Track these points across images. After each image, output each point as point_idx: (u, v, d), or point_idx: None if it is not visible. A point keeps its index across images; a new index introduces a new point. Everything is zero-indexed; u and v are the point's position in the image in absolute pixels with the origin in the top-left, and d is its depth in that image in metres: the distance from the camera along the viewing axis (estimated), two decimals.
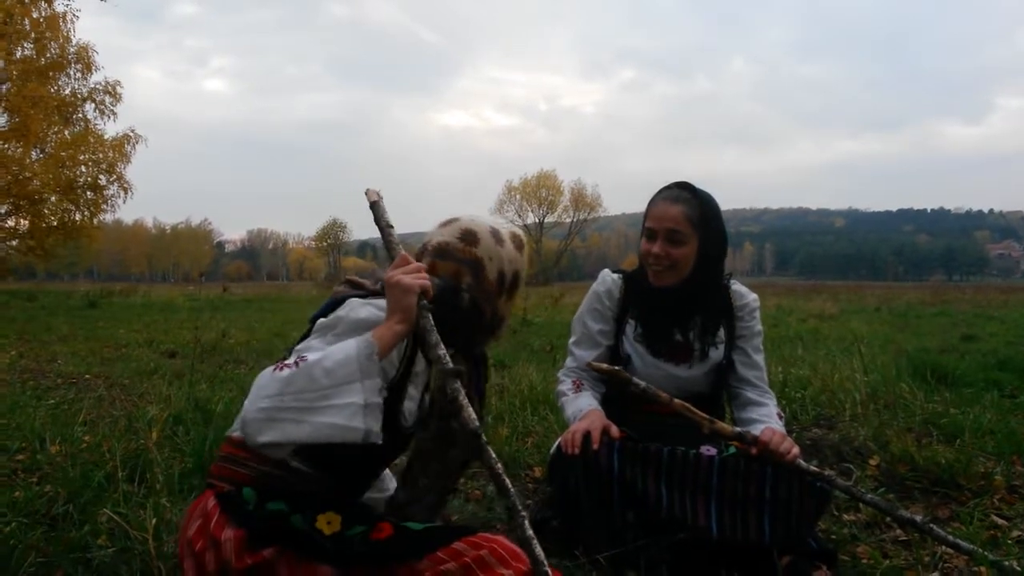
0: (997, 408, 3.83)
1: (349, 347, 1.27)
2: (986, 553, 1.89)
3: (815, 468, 1.92)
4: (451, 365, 1.34)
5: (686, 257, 2.06)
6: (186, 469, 2.54)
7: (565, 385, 2.24)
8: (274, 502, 1.37)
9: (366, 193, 1.48)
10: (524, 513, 1.34)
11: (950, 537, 1.93)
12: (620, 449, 1.90)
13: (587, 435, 1.93)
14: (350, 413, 1.24)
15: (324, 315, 1.43)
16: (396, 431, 1.44)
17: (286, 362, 1.27)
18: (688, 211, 2.04)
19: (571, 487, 1.92)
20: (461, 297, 1.48)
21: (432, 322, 1.36)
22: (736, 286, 2.21)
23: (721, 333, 2.15)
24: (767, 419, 2.07)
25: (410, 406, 1.47)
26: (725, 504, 1.86)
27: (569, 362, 2.28)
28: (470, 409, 1.34)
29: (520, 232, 1.64)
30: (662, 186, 2.15)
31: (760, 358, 2.21)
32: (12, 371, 5.81)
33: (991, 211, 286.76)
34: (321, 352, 1.27)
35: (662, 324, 2.14)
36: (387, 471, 1.85)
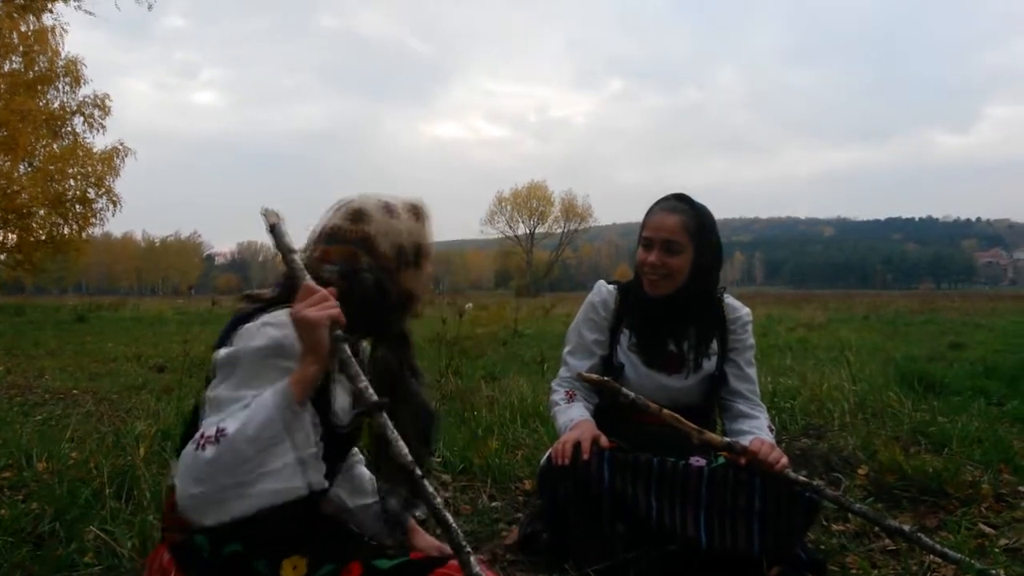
0: (984, 416, 3.86)
1: (267, 406, 1.18)
2: (973, 562, 1.90)
3: (804, 478, 1.93)
4: (374, 397, 1.26)
5: (681, 267, 2.08)
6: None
7: (558, 395, 2.24)
8: (229, 544, 1.31)
9: (264, 215, 1.32)
10: (469, 550, 1.27)
11: (938, 546, 1.94)
12: (610, 459, 1.91)
13: (577, 445, 1.93)
14: (288, 475, 1.18)
15: (225, 339, 1.35)
16: (333, 434, 1.37)
17: (207, 436, 1.17)
18: (685, 221, 2.08)
19: (561, 498, 1.92)
20: (363, 279, 1.39)
21: (349, 352, 1.27)
22: (729, 299, 2.23)
23: (714, 345, 2.17)
24: (758, 431, 2.08)
25: (341, 404, 1.39)
26: (714, 515, 1.87)
27: (563, 372, 2.29)
28: (400, 443, 1.26)
29: (420, 202, 1.53)
30: (659, 197, 2.19)
31: (752, 371, 2.23)
32: None
33: (978, 219, 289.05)
34: (239, 420, 1.18)
35: (656, 334, 2.15)
36: (361, 468, 1.79)
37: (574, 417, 2.11)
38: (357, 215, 1.44)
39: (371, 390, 1.25)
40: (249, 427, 1.16)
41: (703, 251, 2.10)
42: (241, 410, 1.21)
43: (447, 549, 1.67)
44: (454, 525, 1.28)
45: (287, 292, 1.35)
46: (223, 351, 1.30)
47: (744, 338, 2.21)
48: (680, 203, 2.12)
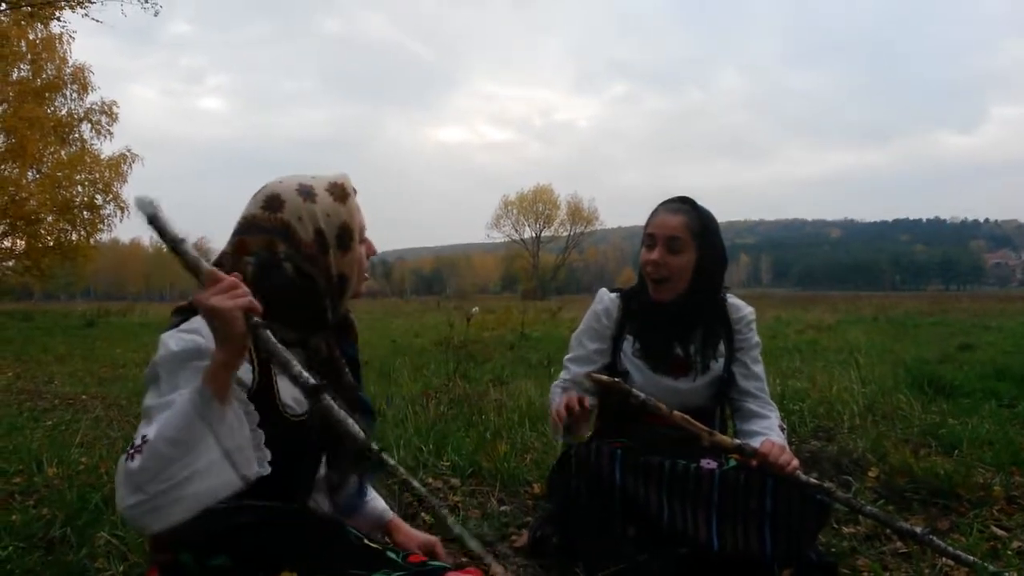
0: (995, 418, 3.84)
1: (184, 405, 1.12)
2: (987, 565, 1.89)
3: (815, 480, 1.92)
4: (311, 381, 1.15)
5: (683, 267, 2.08)
6: None
7: (555, 394, 2.25)
8: (215, 557, 1.26)
9: (138, 206, 1.15)
10: (446, 511, 1.24)
11: (950, 549, 1.93)
12: (622, 460, 1.91)
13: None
14: (217, 470, 1.13)
15: None
16: (287, 425, 1.32)
17: (135, 446, 1.13)
18: (688, 221, 2.08)
19: (571, 497, 1.92)
20: (283, 269, 1.31)
21: (274, 340, 1.16)
22: (732, 299, 2.22)
23: (721, 347, 2.17)
24: (769, 431, 2.07)
25: (291, 393, 1.32)
26: (726, 518, 1.86)
27: (563, 375, 2.30)
28: (350, 422, 1.17)
29: (343, 180, 1.42)
30: (663, 200, 2.19)
31: (759, 369, 2.22)
32: (9, 392, 5.79)
33: (986, 220, 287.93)
34: (157, 425, 1.12)
35: (661, 339, 2.15)
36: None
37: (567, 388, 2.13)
38: (271, 202, 1.35)
39: (306, 374, 1.16)
40: (167, 429, 1.11)
41: (706, 253, 2.09)
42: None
43: (433, 541, 1.65)
44: (424, 490, 1.23)
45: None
46: (147, 369, 1.26)
47: (749, 337, 2.21)
48: (684, 204, 2.13)
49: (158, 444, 1.10)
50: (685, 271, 2.08)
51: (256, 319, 1.15)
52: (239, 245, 1.33)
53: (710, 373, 2.14)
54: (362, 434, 1.17)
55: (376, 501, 1.70)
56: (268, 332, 1.15)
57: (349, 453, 1.42)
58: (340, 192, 1.40)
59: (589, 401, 1.93)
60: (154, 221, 1.15)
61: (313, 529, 1.40)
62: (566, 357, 2.31)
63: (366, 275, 1.49)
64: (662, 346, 2.14)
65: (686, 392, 2.12)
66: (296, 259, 1.32)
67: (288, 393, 1.33)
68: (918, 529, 1.95)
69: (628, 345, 2.18)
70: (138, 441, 1.12)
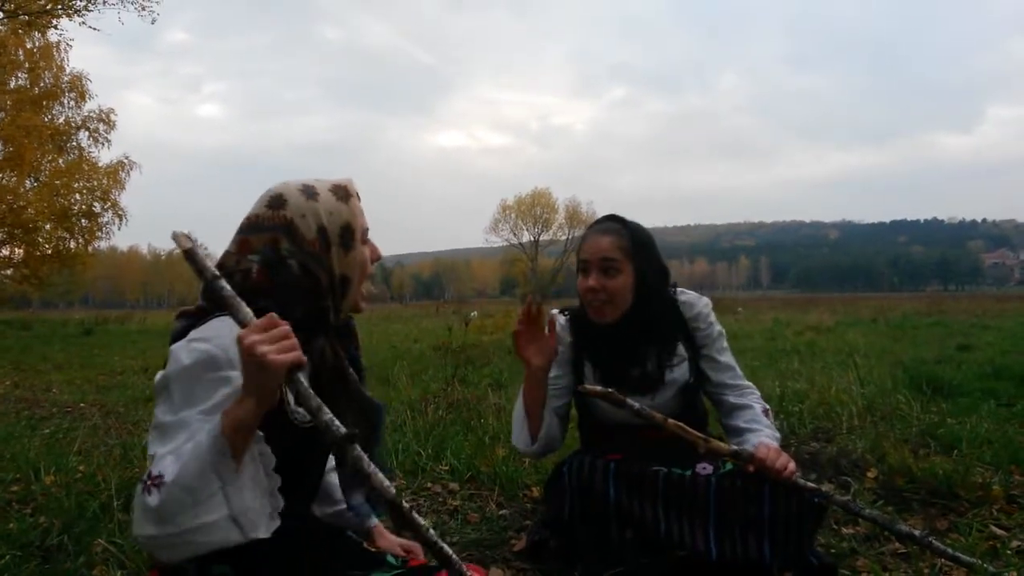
0: (994, 417, 3.84)
1: (201, 454, 1.11)
2: (986, 565, 1.88)
3: (812, 484, 1.92)
4: (342, 430, 1.16)
5: (622, 289, 2.04)
6: None
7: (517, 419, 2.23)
8: (217, 565, 1.26)
9: (175, 239, 1.17)
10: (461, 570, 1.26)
11: (949, 550, 1.93)
12: (616, 474, 1.89)
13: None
14: (223, 528, 1.13)
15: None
16: (297, 435, 1.31)
17: (153, 477, 1.12)
18: (618, 241, 2.04)
19: (567, 515, 1.91)
20: (288, 265, 1.32)
21: (306, 384, 1.16)
22: (684, 296, 2.18)
23: (681, 350, 2.13)
24: (755, 424, 2.05)
25: (329, 417, 1.28)
26: (723, 526, 1.85)
27: None
28: (379, 475, 1.19)
29: (346, 182, 1.44)
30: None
31: (728, 357, 2.18)
32: (7, 401, 5.78)
33: (984, 220, 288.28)
34: (177, 466, 1.12)
35: (615, 362, 2.11)
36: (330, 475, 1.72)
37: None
38: (275, 200, 1.36)
39: (337, 422, 1.17)
40: (184, 476, 1.11)
41: (643, 269, 2.05)
42: (187, 441, 1.15)
43: (415, 547, 1.65)
44: (454, 557, 1.25)
45: (215, 303, 1.26)
46: (158, 374, 1.25)
47: (709, 331, 2.16)
48: (613, 223, 2.10)
49: (174, 489, 1.10)
50: (624, 290, 2.04)
51: (299, 374, 1.15)
52: (242, 244, 1.34)
53: (674, 383, 2.10)
54: (392, 489, 1.19)
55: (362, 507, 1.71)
56: (300, 376, 1.16)
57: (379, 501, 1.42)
58: (343, 192, 1.41)
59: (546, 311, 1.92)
60: (189, 256, 1.18)
61: (314, 537, 1.41)
62: None
63: (370, 279, 1.49)
64: (618, 369, 2.10)
65: (655, 407, 2.06)
66: (300, 256, 1.32)
67: (296, 405, 1.32)
68: (917, 531, 1.94)
69: (589, 371, 2.15)
70: (155, 472, 1.13)
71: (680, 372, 2.11)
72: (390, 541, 1.70)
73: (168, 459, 1.14)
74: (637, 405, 1.87)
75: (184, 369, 1.20)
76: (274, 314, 1.15)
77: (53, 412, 5.24)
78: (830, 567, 1.93)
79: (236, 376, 1.17)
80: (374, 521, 1.71)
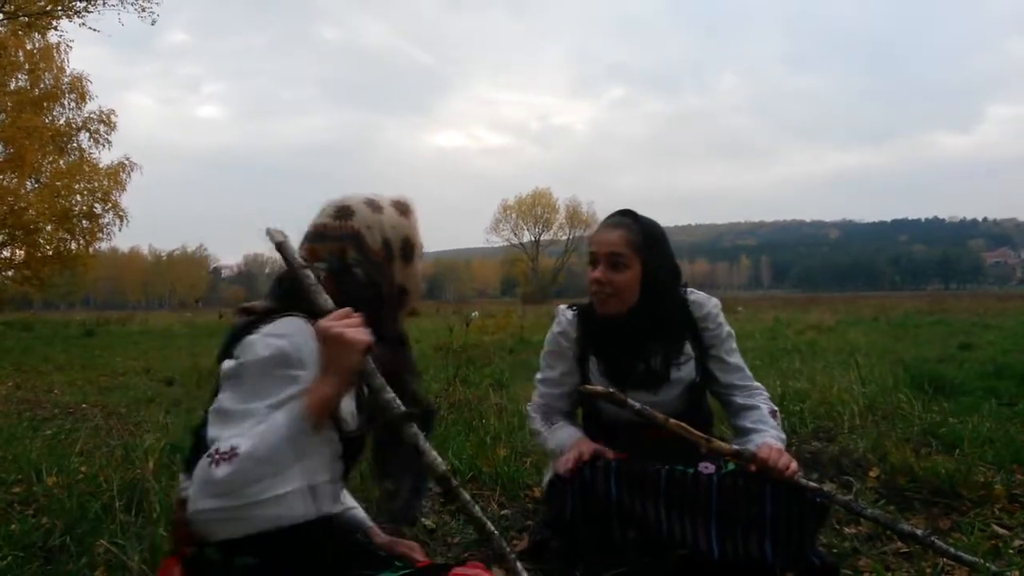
0: (996, 417, 3.84)
1: (279, 428, 1.18)
2: (988, 564, 1.88)
3: (814, 484, 1.91)
4: (402, 408, 1.26)
5: (629, 283, 2.03)
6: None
7: (536, 422, 2.24)
8: (241, 556, 1.28)
9: (269, 235, 1.33)
10: (513, 555, 1.33)
11: (951, 550, 1.93)
12: (617, 473, 1.89)
13: (581, 456, 1.93)
14: (295, 501, 1.18)
15: (227, 352, 1.33)
16: (342, 438, 1.36)
17: (222, 452, 1.17)
18: (628, 235, 2.03)
19: (568, 515, 1.91)
20: (354, 273, 1.39)
21: (373, 365, 1.27)
22: (693, 295, 2.17)
23: (688, 349, 2.12)
24: (762, 424, 2.05)
25: (348, 408, 1.36)
26: (725, 526, 1.85)
27: (536, 397, 2.28)
28: (433, 453, 1.28)
29: (406, 199, 1.52)
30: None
31: (737, 359, 2.19)
32: (9, 402, 5.79)
33: (985, 219, 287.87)
34: (252, 440, 1.17)
35: (621, 356, 2.11)
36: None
37: (564, 439, 2.10)
38: (342, 211, 1.44)
39: (398, 401, 1.26)
40: (261, 448, 1.16)
41: (652, 265, 2.04)
42: (255, 426, 1.20)
43: (413, 546, 1.63)
44: (495, 532, 1.32)
45: (283, 303, 1.35)
46: (228, 363, 1.30)
47: (718, 331, 2.16)
48: (624, 218, 2.09)
49: (249, 461, 1.14)
50: (630, 286, 2.04)
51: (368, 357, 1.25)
52: (310, 252, 1.42)
53: (680, 382, 2.10)
54: (443, 465, 1.27)
55: (357, 511, 1.73)
56: (369, 359, 1.26)
57: (405, 462, 1.47)
58: (404, 208, 1.49)
59: (609, 453, 1.95)
60: (281, 248, 1.31)
61: (333, 535, 1.43)
62: (537, 377, 2.30)
63: (420, 293, 1.56)
64: (623, 364, 2.10)
65: (660, 405, 2.06)
66: (365, 265, 1.40)
67: (346, 408, 1.37)
68: (919, 530, 1.95)
69: (594, 364, 2.15)
70: (225, 447, 1.16)
71: (686, 371, 2.11)
72: (387, 540, 1.71)
73: (239, 437, 1.18)
74: (638, 405, 1.87)
75: (260, 361, 1.25)
76: (349, 309, 1.26)
77: (55, 413, 5.25)
78: (832, 567, 1.92)
79: (304, 376, 1.25)
80: (369, 523, 1.72)
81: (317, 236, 1.43)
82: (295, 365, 1.25)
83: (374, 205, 1.45)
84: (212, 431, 1.24)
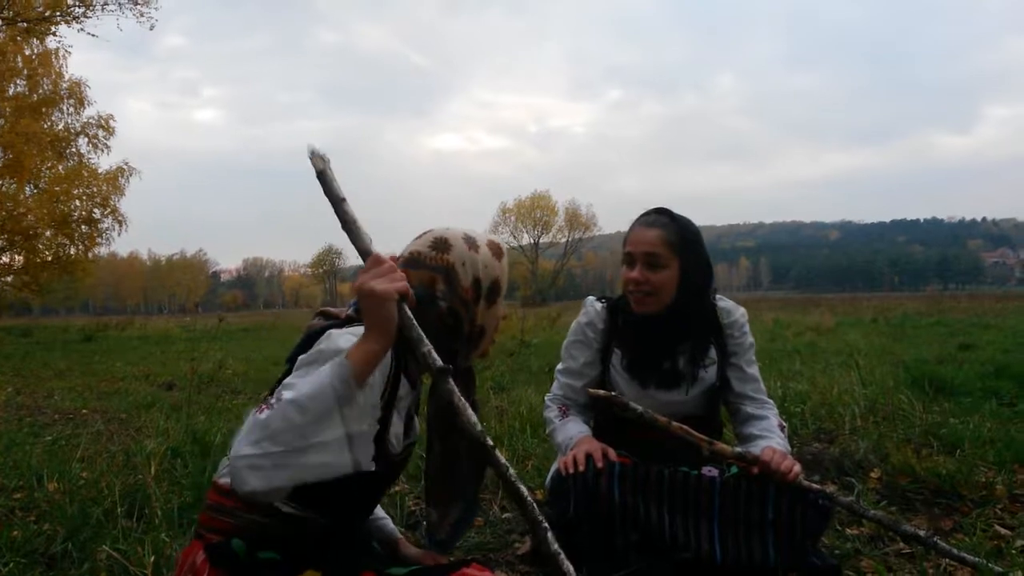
0: (996, 417, 3.84)
1: (322, 376, 1.18)
2: (991, 565, 1.88)
3: (817, 485, 1.92)
4: (439, 362, 1.25)
5: (666, 283, 2.03)
6: (185, 503, 2.52)
7: (551, 412, 2.24)
8: (265, 551, 1.31)
9: (311, 158, 1.25)
10: (546, 525, 1.29)
11: (954, 550, 1.93)
12: (620, 475, 1.89)
13: (589, 457, 1.93)
14: (335, 449, 1.17)
15: (300, 352, 1.34)
16: (386, 459, 1.38)
17: (270, 402, 1.18)
18: (666, 235, 2.03)
19: (571, 515, 1.91)
20: (437, 304, 1.41)
21: (411, 317, 1.25)
22: (722, 302, 2.18)
23: (712, 353, 2.13)
24: (768, 433, 2.06)
25: (396, 431, 1.40)
26: (728, 527, 1.85)
27: (555, 388, 2.29)
28: (469, 411, 1.27)
29: (500, 241, 1.55)
30: (642, 211, 2.15)
31: (754, 370, 2.20)
32: (9, 408, 5.77)
33: (984, 220, 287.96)
34: (296, 389, 1.18)
35: (649, 354, 2.11)
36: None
37: (573, 435, 2.10)
38: (440, 243, 1.46)
39: (434, 355, 1.24)
40: (301, 395, 1.15)
41: (689, 265, 2.04)
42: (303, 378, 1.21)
43: (439, 560, 1.65)
44: (529, 498, 1.29)
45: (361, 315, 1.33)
46: (305, 355, 1.30)
47: (742, 340, 2.17)
48: (661, 216, 2.08)
49: (289, 407, 1.14)
50: (668, 285, 2.04)
51: (405, 306, 1.23)
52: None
53: (702, 383, 2.11)
54: (478, 424, 1.25)
55: (386, 521, 1.79)
56: (407, 310, 1.24)
57: (455, 491, 1.53)
58: (498, 250, 1.52)
59: (613, 454, 1.95)
60: (322, 176, 1.25)
61: (353, 538, 1.49)
62: (557, 368, 2.30)
63: (495, 338, 1.57)
64: (649, 361, 2.10)
65: (678, 404, 2.09)
66: (452, 299, 1.42)
67: (394, 431, 1.40)
68: (922, 531, 1.95)
69: (616, 358, 2.16)
70: (274, 399, 1.18)
71: (709, 374, 2.12)
72: (414, 552, 1.74)
73: (287, 389, 1.19)
74: (640, 409, 1.87)
75: (338, 350, 1.25)
76: (379, 253, 1.24)
77: (55, 419, 5.23)
78: (834, 568, 1.93)
79: (372, 380, 1.24)
80: (398, 535, 1.77)
81: (412, 262, 1.45)
82: None
83: (472, 243, 1.47)
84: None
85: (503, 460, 1.27)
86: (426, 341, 1.25)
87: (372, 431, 1.26)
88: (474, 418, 1.27)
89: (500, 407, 4.45)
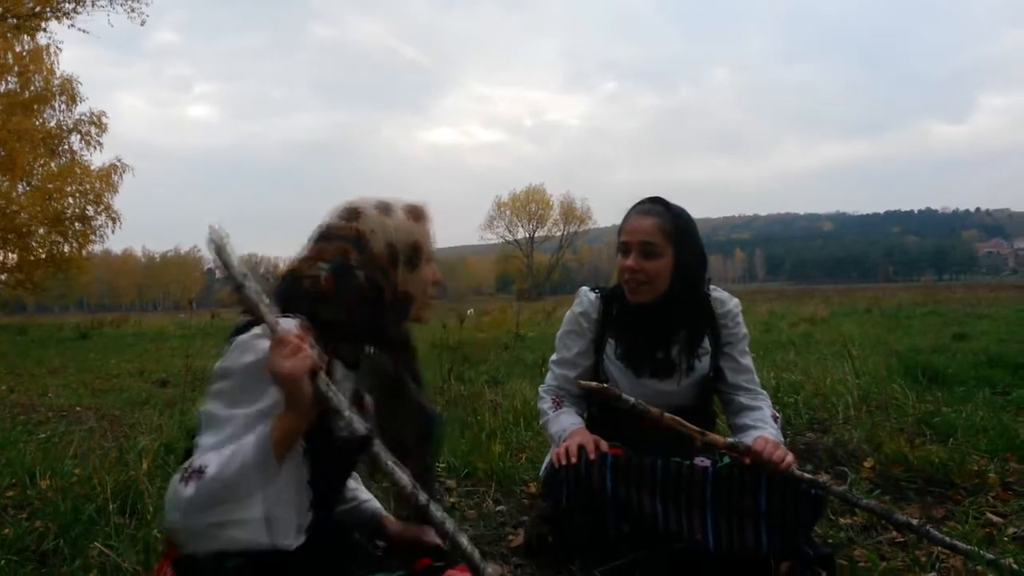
0: (989, 406, 3.85)
1: (247, 454, 1.17)
2: (983, 553, 1.88)
3: (809, 475, 1.92)
4: (361, 430, 1.23)
5: (661, 271, 2.04)
6: None
7: (546, 403, 2.24)
8: (233, 558, 1.28)
9: (210, 235, 1.20)
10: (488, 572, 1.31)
11: (946, 539, 1.93)
12: (612, 465, 1.89)
13: (581, 448, 1.93)
14: (252, 530, 1.18)
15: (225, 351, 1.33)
16: (343, 445, 1.33)
17: (193, 469, 1.18)
18: (661, 223, 2.03)
19: (564, 506, 1.91)
20: (355, 275, 1.36)
21: (327, 384, 1.23)
22: (716, 292, 2.18)
23: (706, 343, 2.13)
24: (761, 423, 2.06)
25: (349, 415, 1.32)
26: (721, 516, 1.85)
27: (549, 379, 2.29)
28: (398, 473, 1.25)
29: (421, 204, 1.49)
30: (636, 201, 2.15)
31: (748, 361, 2.20)
32: (2, 406, 5.76)
33: (978, 210, 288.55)
34: (220, 461, 1.17)
35: (643, 343, 2.11)
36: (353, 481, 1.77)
37: (566, 426, 2.11)
38: (350, 213, 1.42)
39: (357, 420, 1.23)
40: (225, 472, 1.17)
41: (683, 254, 2.05)
42: (231, 440, 1.20)
43: (425, 531, 1.61)
44: (468, 548, 1.29)
45: (283, 303, 1.32)
46: (218, 364, 1.30)
47: (736, 330, 2.17)
48: (656, 205, 2.08)
49: (214, 483, 1.16)
50: (663, 274, 2.04)
51: (322, 372, 1.21)
52: (315, 251, 1.39)
53: (695, 373, 2.11)
54: (410, 484, 1.24)
55: (372, 502, 1.74)
56: (324, 376, 1.22)
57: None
58: (416, 212, 1.47)
59: (605, 445, 1.95)
60: (220, 253, 1.22)
61: (327, 537, 1.43)
62: (551, 358, 2.30)
63: (430, 300, 1.53)
64: (644, 350, 2.11)
65: (672, 394, 2.09)
66: (367, 268, 1.37)
67: (347, 417, 1.35)
68: (915, 520, 1.95)
69: (610, 348, 2.16)
70: (197, 464, 1.19)
71: (702, 364, 2.12)
72: (401, 530, 1.71)
73: (211, 454, 1.19)
74: (632, 400, 1.87)
75: (247, 366, 1.25)
76: (285, 327, 1.21)
77: (49, 416, 5.22)
78: (827, 557, 1.93)
79: (296, 456, 1.23)
80: (383, 512, 1.74)
81: (324, 236, 1.41)
82: None
83: (384, 208, 1.43)
84: (199, 435, 1.25)
85: (439, 514, 1.27)
86: (345, 410, 1.23)
87: (297, 500, 1.26)
88: (405, 479, 1.25)
89: (494, 400, 4.45)
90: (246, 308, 1.24)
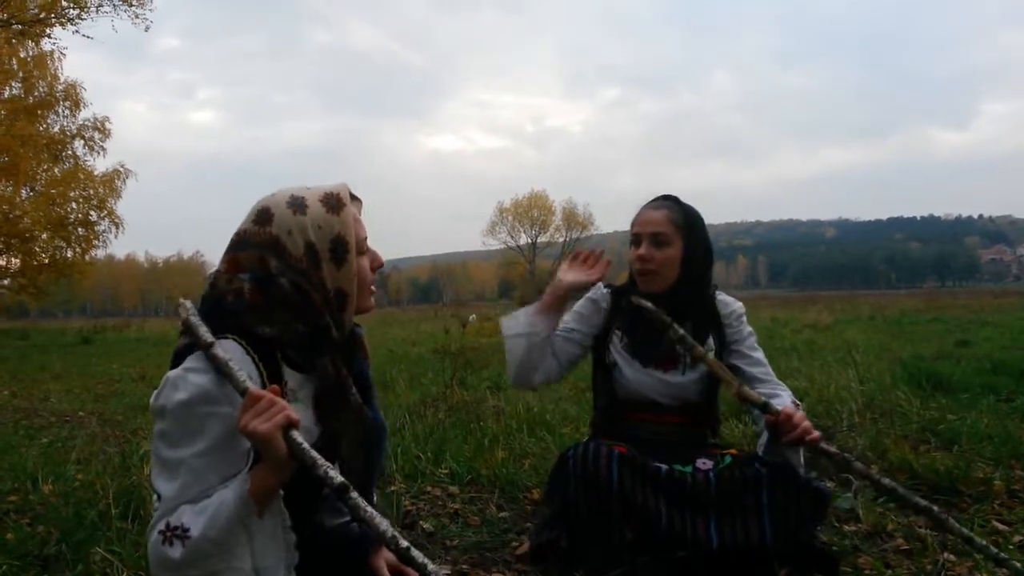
0: (994, 413, 3.84)
1: (228, 510, 1.15)
2: (1001, 553, 1.84)
3: (835, 449, 1.89)
4: (336, 481, 1.17)
5: (671, 260, 2.09)
6: None
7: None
8: None
9: (179, 308, 1.24)
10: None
11: (964, 530, 1.85)
12: (619, 460, 1.89)
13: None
14: None
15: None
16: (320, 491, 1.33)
17: (172, 528, 1.16)
18: (672, 215, 2.10)
19: (570, 499, 1.91)
20: (279, 284, 1.26)
21: (300, 441, 1.17)
22: (721, 296, 2.22)
23: (710, 342, 2.15)
24: (786, 402, 2.05)
25: (305, 424, 1.28)
26: (724, 516, 1.86)
27: None
28: (376, 519, 1.19)
29: (339, 190, 1.36)
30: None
31: (760, 355, 2.21)
32: (5, 411, 5.76)
33: (980, 216, 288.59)
34: (203, 521, 1.15)
35: (650, 331, 2.11)
36: None
37: (518, 314, 2.20)
38: (261, 216, 1.31)
39: (332, 474, 1.17)
40: (212, 531, 1.15)
41: (692, 245, 2.10)
42: (192, 487, 1.18)
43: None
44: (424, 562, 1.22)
45: (216, 324, 1.26)
46: (152, 399, 1.24)
47: (741, 329, 2.20)
48: (667, 200, 2.16)
49: (202, 543, 1.15)
50: (672, 263, 2.09)
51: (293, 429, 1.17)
52: (232, 263, 1.29)
53: (700, 367, 2.11)
54: (389, 531, 1.18)
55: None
56: (295, 434, 1.17)
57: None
58: (334, 202, 1.33)
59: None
60: (187, 327, 1.24)
61: (317, 552, 1.41)
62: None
63: (372, 288, 1.44)
64: (650, 338, 2.11)
65: (676, 385, 2.11)
66: (289, 274, 1.27)
67: (304, 427, 1.32)
68: (935, 508, 1.88)
69: (617, 340, 2.18)
70: (175, 523, 1.16)
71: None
72: (388, 557, 1.68)
73: (187, 511, 1.16)
74: (682, 331, 1.90)
75: (179, 405, 1.19)
76: (254, 389, 1.17)
77: (51, 421, 5.23)
78: (832, 559, 1.93)
79: (230, 412, 1.18)
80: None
81: (239, 244, 1.30)
82: (219, 401, 1.19)
83: (298, 204, 1.31)
84: (155, 482, 1.21)
85: (421, 559, 1.19)
86: (320, 464, 1.17)
87: (283, 551, 1.24)
88: (384, 524, 1.17)
89: (497, 406, 4.44)
90: (218, 370, 1.20)
